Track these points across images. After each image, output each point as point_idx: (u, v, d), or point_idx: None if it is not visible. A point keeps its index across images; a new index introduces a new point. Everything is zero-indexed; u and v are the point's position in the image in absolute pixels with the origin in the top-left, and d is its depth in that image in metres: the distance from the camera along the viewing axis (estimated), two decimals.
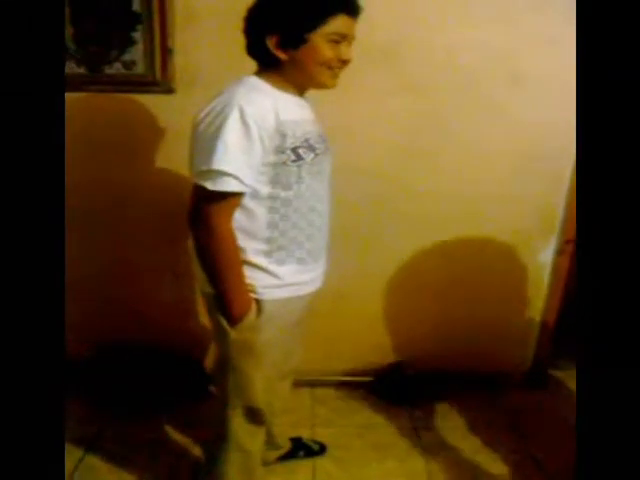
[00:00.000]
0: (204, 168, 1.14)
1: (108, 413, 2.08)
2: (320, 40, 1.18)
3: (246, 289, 1.27)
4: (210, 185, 1.14)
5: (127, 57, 1.90)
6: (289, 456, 1.86)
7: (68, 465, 1.80)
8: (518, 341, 2.31)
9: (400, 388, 2.22)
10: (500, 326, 2.27)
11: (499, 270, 2.18)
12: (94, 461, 1.84)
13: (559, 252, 2.14)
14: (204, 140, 1.14)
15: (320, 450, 1.91)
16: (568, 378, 2.38)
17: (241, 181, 1.15)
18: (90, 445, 1.91)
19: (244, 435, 1.45)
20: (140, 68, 1.91)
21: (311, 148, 1.25)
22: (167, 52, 1.88)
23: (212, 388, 1.90)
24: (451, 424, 2.11)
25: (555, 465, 1.87)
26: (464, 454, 1.93)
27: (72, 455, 1.85)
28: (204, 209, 1.18)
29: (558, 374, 2.39)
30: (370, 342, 2.29)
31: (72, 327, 2.18)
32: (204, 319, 2.09)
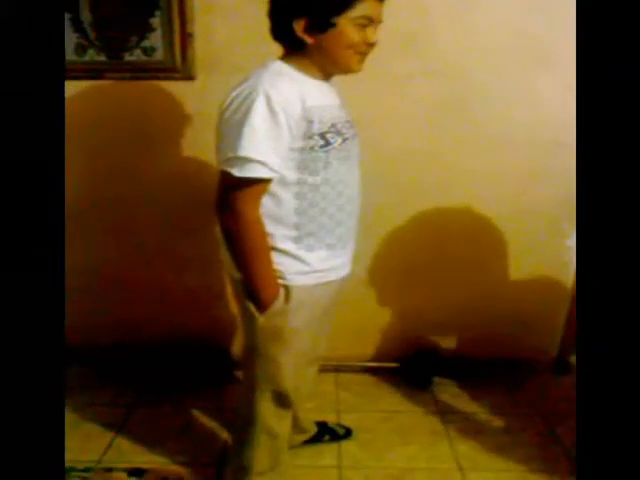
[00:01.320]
0: (231, 155, 1.13)
1: (137, 398, 2.11)
2: (347, 24, 1.16)
3: (274, 275, 1.27)
4: (237, 172, 1.13)
5: (146, 43, 1.89)
6: (315, 440, 1.87)
7: (98, 448, 1.84)
8: (544, 327, 2.29)
9: (425, 373, 2.22)
10: (527, 312, 2.25)
11: (526, 255, 2.16)
12: (124, 444, 1.87)
13: None
14: (230, 127, 1.14)
15: (346, 434, 1.92)
16: None
17: (269, 167, 1.14)
18: (119, 429, 1.94)
19: (272, 419, 1.46)
20: (160, 54, 1.90)
21: (339, 133, 1.23)
22: (187, 38, 1.87)
23: (238, 373, 1.93)
24: (476, 409, 2.10)
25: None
26: (489, 439, 1.93)
27: (101, 438, 1.89)
28: (231, 196, 1.17)
29: None
30: (395, 328, 2.29)
31: (102, 315, 2.24)
32: (231, 305, 2.11)
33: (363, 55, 1.23)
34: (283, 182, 1.21)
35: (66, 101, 1.93)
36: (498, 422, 2.02)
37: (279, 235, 1.26)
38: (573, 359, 2.33)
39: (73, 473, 1.72)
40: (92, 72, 1.92)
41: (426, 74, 1.91)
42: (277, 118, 1.11)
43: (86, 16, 1.87)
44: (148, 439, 1.89)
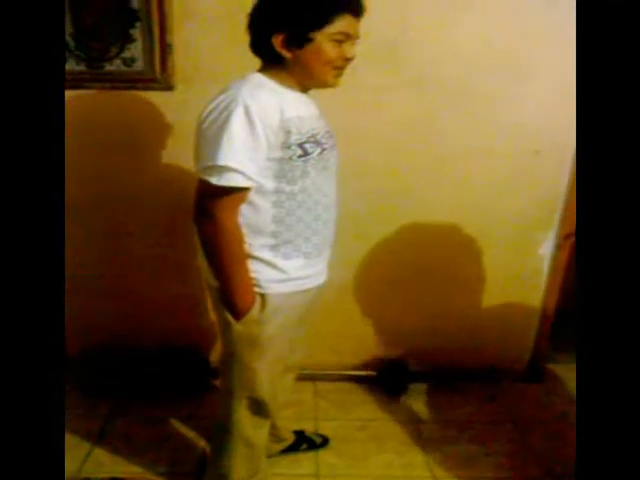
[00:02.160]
0: (209, 163, 1.15)
1: (113, 408, 2.09)
2: (324, 39, 1.19)
3: (250, 283, 1.29)
4: (215, 180, 1.15)
5: (127, 54, 1.90)
6: (292, 449, 1.88)
7: (76, 458, 1.82)
8: (517, 335, 2.33)
9: (401, 382, 2.24)
10: (499, 320, 2.29)
11: (499, 264, 2.20)
12: (102, 454, 1.86)
13: (558, 246, 2.15)
14: (209, 136, 1.16)
15: (323, 443, 1.93)
16: (566, 372, 2.39)
17: (246, 176, 1.16)
18: (96, 440, 1.93)
19: (249, 428, 1.47)
20: (140, 65, 1.91)
21: (318, 143, 1.26)
22: (166, 49, 1.88)
23: (217, 382, 1.93)
24: (450, 417, 2.13)
25: (552, 457, 1.90)
26: (463, 446, 1.95)
27: (79, 449, 1.87)
28: (209, 204, 1.19)
29: (556, 368, 2.41)
30: (371, 337, 2.31)
31: (75, 322, 2.20)
32: (209, 313, 2.11)
33: (340, 70, 1.26)
34: (261, 191, 1.22)
35: None
36: (471, 430, 2.05)
37: (256, 243, 1.27)
38: (545, 366, 2.38)
39: None
40: (72, 82, 1.91)
41: (405, 85, 1.94)
42: (255, 128, 1.13)
43: (67, 26, 1.88)
44: (126, 449, 1.88)
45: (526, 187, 2.09)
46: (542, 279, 2.23)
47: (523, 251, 2.19)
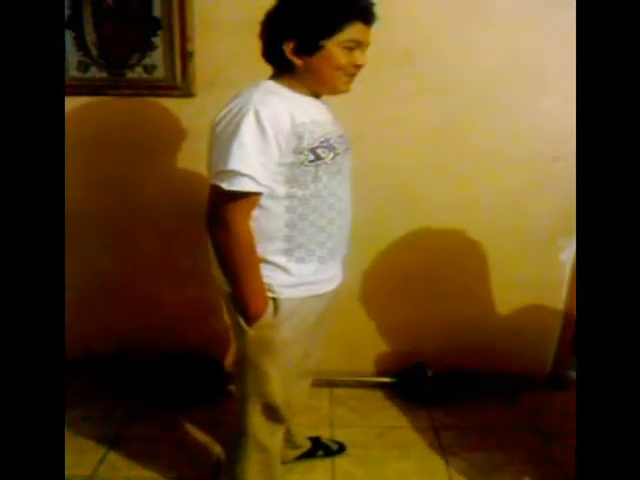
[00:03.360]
0: (220, 169, 1.16)
1: (128, 412, 2.11)
2: (335, 47, 1.19)
3: (263, 288, 1.29)
4: (226, 185, 1.16)
5: (148, 61, 1.94)
6: (308, 455, 1.86)
7: (92, 462, 1.84)
8: (539, 342, 2.28)
9: (420, 388, 2.21)
10: (521, 327, 2.25)
11: (520, 270, 2.16)
12: (116, 459, 1.87)
13: None
14: (221, 141, 1.17)
15: (339, 450, 1.91)
16: None
17: (257, 181, 1.16)
18: (112, 443, 1.94)
19: (263, 433, 1.47)
20: (160, 72, 1.94)
21: (331, 148, 1.26)
22: (187, 56, 1.91)
23: (231, 387, 1.93)
24: (471, 424, 2.09)
25: (573, 464, 1.84)
26: (483, 454, 1.92)
27: (95, 453, 1.89)
28: (221, 209, 1.20)
29: None
30: (390, 342, 2.29)
31: (92, 327, 2.25)
32: (224, 318, 2.11)
33: (350, 77, 1.26)
34: (273, 196, 1.23)
35: (67, 115, 1.98)
36: (492, 438, 2.01)
37: (269, 248, 1.28)
38: (567, 374, 2.33)
39: None
40: (94, 88, 1.96)
41: (422, 91, 1.94)
42: (266, 133, 1.14)
43: (89, 35, 1.92)
44: (141, 453, 1.89)
45: (546, 193, 2.06)
46: (564, 285, 2.19)
47: (545, 257, 2.15)
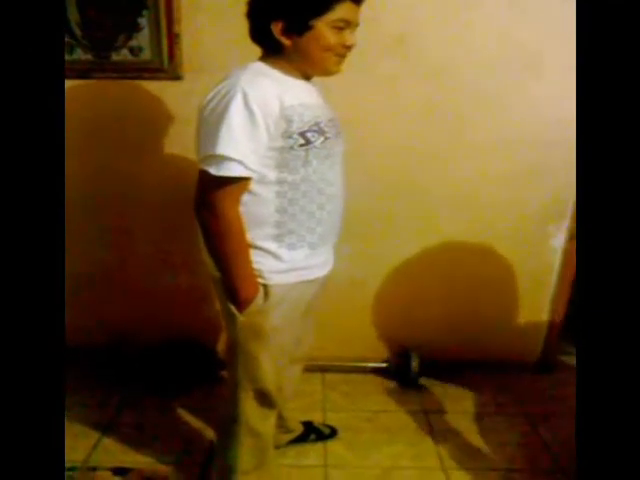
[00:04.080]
0: (208, 153, 1.14)
1: (122, 399, 2.11)
2: (324, 27, 1.17)
3: (253, 274, 1.27)
4: (214, 170, 1.14)
5: (134, 43, 1.89)
6: (300, 439, 1.88)
7: (85, 448, 1.84)
8: (528, 327, 2.29)
9: (411, 373, 2.22)
10: (510, 312, 2.26)
11: (511, 255, 2.17)
12: (110, 444, 1.88)
13: (571, 237, 2.11)
14: (208, 125, 1.14)
15: (331, 434, 1.93)
16: None
17: (245, 166, 1.14)
18: (106, 429, 1.94)
19: (255, 418, 1.47)
20: (147, 54, 1.90)
21: (321, 132, 1.24)
22: (174, 38, 1.87)
23: (223, 373, 1.93)
24: (461, 408, 2.11)
25: (562, 448, 1.88)
26: (474, 437, 1.94)
27: (89, 438, 1.89)
28: (209, 194, 1.18)
29: (569, 360, 2.37)
30: (382, 328, 2.30)
31: (85, 315, 2.24)
32: (215, 305, 2.11)
33: (340, 57, 1.24)
34: (263, 181, 1.21)
35: None
36: (483, 422, 2.03)
37: (260, 233, 1.26)
38: (558, 358, 2.35)
39: None
40: (79, 71, 1.92)
41: (414, 75, 1.92)
42: (254, 117, 1.12)
43: (73, 15, 1.87)
44: (135, 439, 1.89)
45: (539, 179, 2.05)
46: (554, 271, 2.19)
47: (535, 243, 2.15)
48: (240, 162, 1.13)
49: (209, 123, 1.14)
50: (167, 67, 1.90)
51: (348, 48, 1.22)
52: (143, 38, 1.89)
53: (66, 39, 1.89)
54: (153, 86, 1.93)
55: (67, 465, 1.74)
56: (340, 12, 1.16)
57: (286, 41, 1.19)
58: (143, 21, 1.87)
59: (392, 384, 2.25)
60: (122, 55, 1.90)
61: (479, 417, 2.06)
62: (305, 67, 1.25)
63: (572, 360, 2.37)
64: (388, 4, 1.74)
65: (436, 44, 1.89)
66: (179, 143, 1.98)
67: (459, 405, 2.13)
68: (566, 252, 2.15)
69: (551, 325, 2.28)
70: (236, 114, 1.11)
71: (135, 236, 2.16)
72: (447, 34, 1.87)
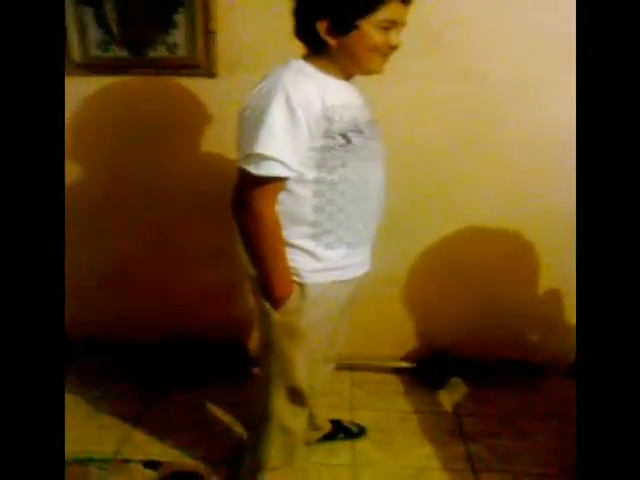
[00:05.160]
0: (248, 152, 1.14)
1: (154, 393, 2.14)
2: (371, 27, 1.15)
3: (288, 272, 1.28)
4: (254, 169, 1.14)
5: (170, 40, 1.90)
6: (329, 437, 1.88)
7: (116, 439, 1.87)
8: (562, 330, 2.25)
9: (441, 374, 2.21)
10: (546, 314, 2.22)
11: (547, 256, 2.13)
12: (140, 437, 1.90)
13: None
14: (249, 124, 1.14)
15: (359, 432, 1.92)
16: None
17: (286, 165, 1.14)
18: (136, 422, 1.97)
19: (287, 416, 1.47)
20: (182, 51, 1.91)
21: (360, 132, 1.23)
22: (209, 35, 1.87)
23: (255, 370, 1.94)
24: (492, 411, 2.09)
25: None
26: (504, 441, 1.92)
27: (119, 431, 1.92)
28: (248, 193, 1.18)
29: None
30: (412, 327, 2.28)
31: (121, 311, 2.27)
32: (249, 302, 2.11)
33: (385, 57, 1.23)
34: (301, 180, 1.21)
35: (89, 96, 1.97)
36: (513, 425, 2.00)
37: (297, 232, 1.26)
38: None
39: (92, 463, 1.75)
40: (115, 68, 1.94)
41: (450, 76, 1.89)
42: (296, 116, 1.12)
43: (110, 12, 1.89)
44: (164, 433, 1.91)
45: (570, 179, 2.00)
46: None
47: (568, 245, 2.09)
48: (280, 161, 1.13)
49: (250, 122, 1.14)
50: (202, 64, 1.91)
51: (393, 48, 1.21)
52: (179, 35, 1.89)
53: (103, 36, 1.91)
54: (188, 83, 1.94)
55: (98, 457, 1.78)
56: (387, 12, 1.15)
57: (331, 40, 1.18)
58: (179, 18, 1.88)
59: (421, 384, 2.23)
60: (158, 52, 1.91)
61: (510, 420, 2.03)
62: (349, 66, 1.24)
63: None
64: (422, 1, 1.72)
65: (472, 44, 1.85)
66: (214, 140, 1.99)
67: (490, 407, 2.11)
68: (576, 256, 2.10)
69: None
70: (277, 113, 1.11)
71: (171, 233, 2.18)
72: (484, 34, 1.84)
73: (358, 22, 1.15)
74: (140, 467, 1.76)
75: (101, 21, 1.89)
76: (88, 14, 1.88)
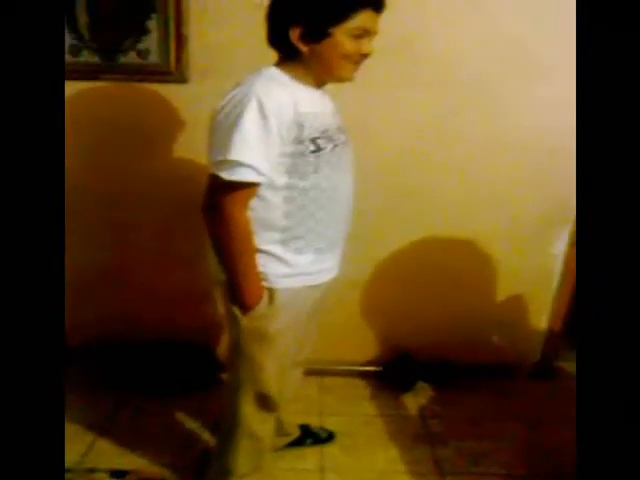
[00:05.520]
0: (221, 158, 1.15)
1: (120, 400, 2.11)
2: (343, 34, 1.17)
3: (258, 278, 1.29)
4: (226, 175, 1.15)
5: (141, 46, 1.90)
6: (297, 443, 1.88)
7: (79, 449, 1.84)
8: (527, 333, 2.32)
9: (408, 377, 2.24)
10: (509, 318, 2.29)
11: (511, 261, 2.19)
12: (105, 445, 1.87)
13: (573, 243, 2.14)
14: (221, 130, 1.15)
15: (328, 438, 1.94)
16: None
17: (257, 171, 1.16)
18: (101, 430, 1.94)
19: (255, 422, 1.48)
20: (154, 57, 1.91)
21: (330, 139, 1.25)
22: (181, 41, 1.88)
23: (223, 376, 1.93)
24: (458, 413, 2.12)
25: (561, 453, 1.89)
26: (470, 443, 1.95)
27: (83, 439, 1.88)
28: (219, 198, 1.19)
29: (568, 366, 2.39)
30: (379, 332, 2.31)
31: (83, 314, 2.23)
32: (217, 307, 2.11)
33: (356, 65, 1.25)
34: (272, 186, 1.22)
35: None
36: (479, 427, 2.04)
37: (267, 238, 1.27)
38: (558, 365, 2.37)
39: None
40: (86, 73, 1.93)
41: (421, 81, 1.94)
42: (268, 123, 1.13)
43: (81, 17, 1.88)
44: (130, 441, 1.89)
45: (541, 185, 2.08)
46: (554, 277, 2.22)
47: (536, 249, 2.18)
48: (253, 167, 1.14)
49: (222, 128, 1.15)
50: (174, 70, 1.91)
51: (365, 56, 1.23)
52: (151, 41, 1.90)
53: (74, 41, 1.90)
54: (160, 89, 1.94)
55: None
56: (359, 20, 1.17)
57: (303, 47, 1.20)
58: (151, 24, 1.89)
59: (389, 388, 2.26)
60: (129, 58, 1.91)
61: (476, 422, 2.07)
62: (320, 74, 1.26)
63: (571, 367, 2.38)
64: (390, 10, 1.75)
65: (441, 48, 1.90)
66: (185, 145, 1.99)
67: (456, 409, 2.14)
68: (567, 257, 2.17)
69: (551, 331, 2.30)
70: (250, 120, 1.12)
71: (137, 237, 2.17)
72: (453, 38, 1.89)
73: (331, 30, 1.17)
74: (106, 476, 1.73)
75: (72, 26, 1.88)
76: None
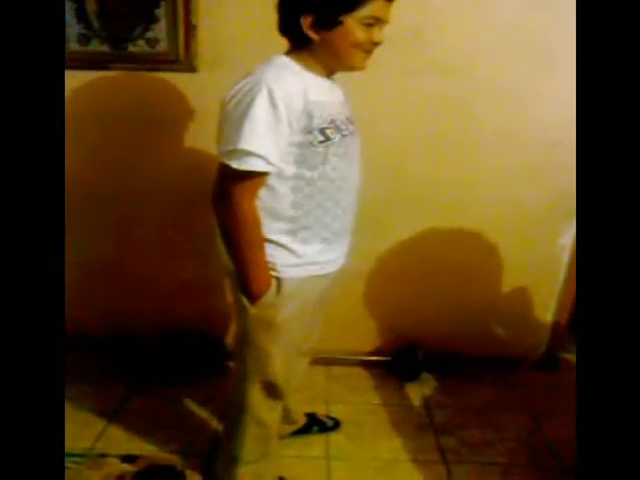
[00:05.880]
0: (230, 147, 1.15)
1: (131, 388, 2.14)
2: (354, 23, 1.17)
3: (266, 267, 1.29)
4: (236, 164, 1.16)
5: (150, 35, 1.91)
6: (304, 431, 1.90)
7: (91, 435, 1.87)
8: (533, 324, 2.32)
9: (414, 368, 2.25)
10: (515, 309, 2.29)
11: (518, 253, 2.19)
12: (116, 432, 1.90)
13: None
14: (231, 119, 1.16)
15: (334, 426, 1.95)
16: None
17: (267, 161, 1.16)
18: (113, 417, 1.97)
19: (262, 409, 1.49)
20: (163, 46, 1.91)
21: (338, 129, 1.25)
22: (191, 30, 1.88)
23: (231, 364, 1.95)
24: (463, 403, 2.14)
25: (564, 444, 1.90)
26: (475, 433, 1.96)
27: (95, 426, 1.92)
28: (228, 188, 1.20)
29: (573, 358, 2.38)
30: (386, 322, 2.32)
31: (93, 305, 2.26)
32: (226, 296, 2.13)
33: (368, 53, 1.24)
34: (281, 176, 1.22)
35: (68, 91, 1.96)
36: (484, 417, 2.05)
37: (274, 228, 1.28)
38: (561, 355, 2.37)
39: (68, 459, 1.74)
40: (95, 62, 1.93)
41: (431, 70, 1.93)
42: (278, 112, 1.13)
43: (90, 6, 1.88)
44: (140, 428, 1.91)
45: (548, 177, 2.07)
46: (561, 269, 2.22)
47: (544, 240, 2.17)
48: (262, 157, 1.15)
49: (232, 118, 1.15)
50: (183, 59, 1.92)
51: (376, 45, 1.23)
52: (160, 30, 1.90)
53: (83, 30, 1.90)
54: (169, 78, 1.94)
55: (75, 452, 1.77)
56: (371, 9, 1.16)
57: (314, 36, 1.19)
58: (160, 12, 1.88)
59: (395, 378, 2.27)
60: (138, 46, 1.92)
61: (480, 412, 2.08)
62: (331, 62, 1.25)
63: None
64: None
65: (453, 38, 1.89)
66: (194, 135, 2.00)
67: (460, 400, 2.16)
68: (574, 249, 2.16)
69: (556, 323, 2.30)
70: (260, 109, 1.12)
71: (145, 227, 2.18)
72: (464, 28, 1.88)
73: (342, 18, 1.16)
74: (117, 461, 1.76)
75: (81, 15, 1.89)
76: (68, 8, 1.87)
